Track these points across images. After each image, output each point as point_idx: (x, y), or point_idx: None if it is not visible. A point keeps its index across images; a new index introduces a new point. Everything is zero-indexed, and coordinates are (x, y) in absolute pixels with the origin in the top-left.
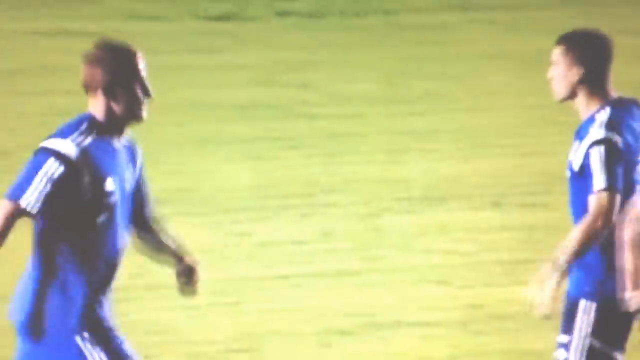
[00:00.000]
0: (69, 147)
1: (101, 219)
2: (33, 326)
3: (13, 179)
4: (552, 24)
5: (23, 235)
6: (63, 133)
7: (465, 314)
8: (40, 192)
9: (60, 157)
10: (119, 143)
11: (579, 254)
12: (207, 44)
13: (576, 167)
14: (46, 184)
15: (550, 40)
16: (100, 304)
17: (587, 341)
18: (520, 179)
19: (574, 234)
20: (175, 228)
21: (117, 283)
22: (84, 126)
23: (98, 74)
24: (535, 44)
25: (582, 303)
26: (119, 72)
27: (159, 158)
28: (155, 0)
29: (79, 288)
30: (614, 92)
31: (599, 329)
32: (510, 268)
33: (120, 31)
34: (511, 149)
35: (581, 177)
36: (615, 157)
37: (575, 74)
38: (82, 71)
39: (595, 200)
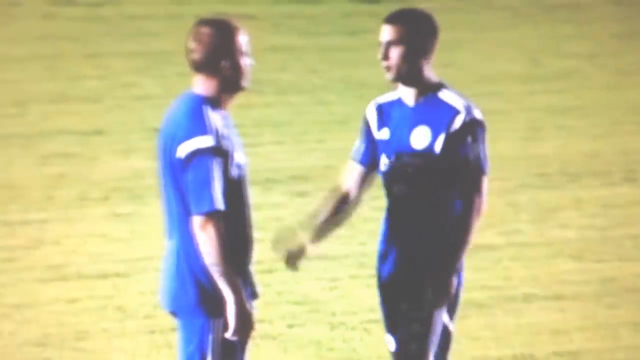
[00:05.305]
0: (213, 140)
1: (242, 191)
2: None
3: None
4: None
5: None
6: (200, 129)
7: (598, 288)
8: (221, 190)
9: (215, 151)
10: (227, 113)
11: None
12: (355, 25)
13: None
14: (220, 180)
15: None
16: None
17: None
18: None
19: None
20: (317, 203)
21: (263, 256)
22: (206, 112)
23: (204, 51)
24: None
25: None
26: (221, 47)
27: (304, 136)
28: None
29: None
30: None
31: None
32: None
33: (271, 15)
34: None
35: None
36: None
37: (419, 54)
38: (188, 51)
39: None
